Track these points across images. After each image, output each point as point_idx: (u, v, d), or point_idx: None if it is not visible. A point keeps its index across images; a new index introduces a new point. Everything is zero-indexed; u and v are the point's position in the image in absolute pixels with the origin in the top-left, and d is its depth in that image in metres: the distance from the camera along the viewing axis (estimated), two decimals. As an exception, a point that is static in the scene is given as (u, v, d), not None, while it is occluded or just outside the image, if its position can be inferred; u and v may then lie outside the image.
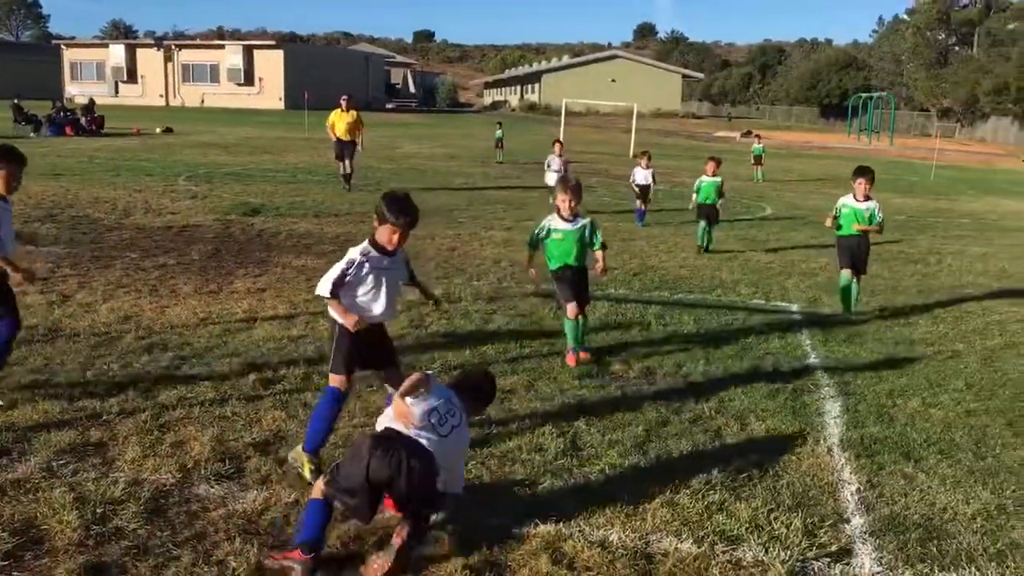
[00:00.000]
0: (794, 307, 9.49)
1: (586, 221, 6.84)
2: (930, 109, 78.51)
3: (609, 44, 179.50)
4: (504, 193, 19.36)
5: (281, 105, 62.86)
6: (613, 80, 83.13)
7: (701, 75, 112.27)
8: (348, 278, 4.58)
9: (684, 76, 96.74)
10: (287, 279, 9.40)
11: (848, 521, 4.44)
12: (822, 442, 5.47)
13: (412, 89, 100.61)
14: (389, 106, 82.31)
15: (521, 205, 17.20)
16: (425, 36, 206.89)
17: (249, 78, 66.18)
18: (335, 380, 4.72)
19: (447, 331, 7.66)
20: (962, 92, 69.33)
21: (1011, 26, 70.19)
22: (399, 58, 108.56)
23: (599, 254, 6.83)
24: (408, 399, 3.91)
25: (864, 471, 5.05)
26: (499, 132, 29.43)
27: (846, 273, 9.07)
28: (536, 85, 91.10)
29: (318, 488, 3.84)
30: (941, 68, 76.96)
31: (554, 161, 17.16)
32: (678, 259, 12.11)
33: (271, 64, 65.83)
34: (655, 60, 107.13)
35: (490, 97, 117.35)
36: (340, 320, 4.59)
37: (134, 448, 4.84)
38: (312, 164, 23.28)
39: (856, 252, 9.14)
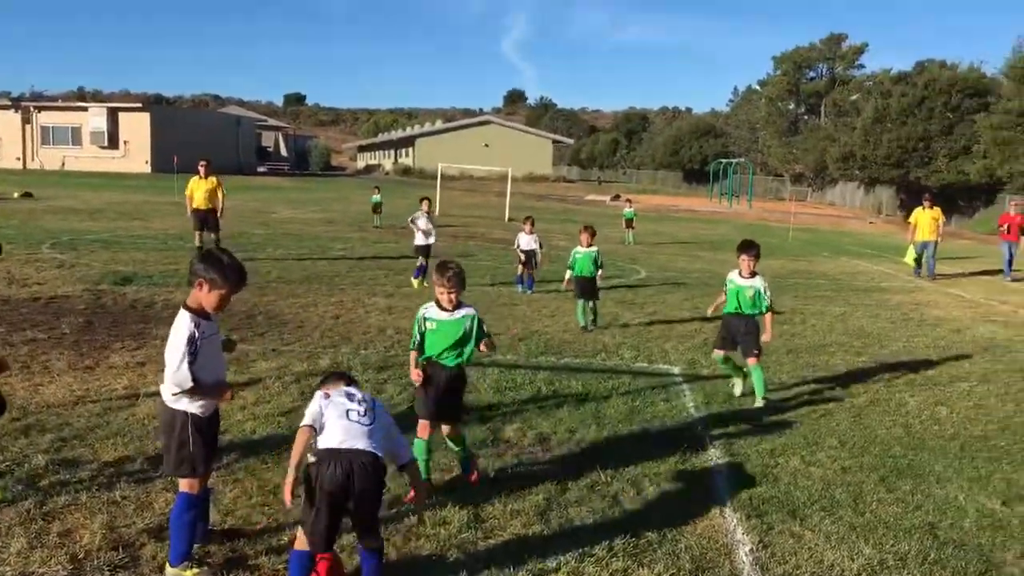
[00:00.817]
0: (675, 369, 9.83)
1: (469, 313, 5.75)
2: (784, 174, 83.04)
3: (481, 110, 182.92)
4: (384, 259, 19.34)
5: (148, 168, 61.08)
6: (486, 144, 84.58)
7: (570, 140, 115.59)
8: (193, 357, 4.18)
9: (554, 141, 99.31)
10: (167, 352, 9.11)
11: (745, 581, 4.62)
12: (714, 504, 5.67)
13: (284, 152, 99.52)
14: (261, 169, 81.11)
15: (401, 271, 17.21)
16: (296, 99, 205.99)
17: (113, 141, 64.05)
18: (190, 485, 4.32)
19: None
20: (812, 159, 73.67)
21: (853, 98, 75.30)
22: (271, 121, 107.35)
23: (483, 346, 5.77)
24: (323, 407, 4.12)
25: (755, 531, 5.26)
26: (376, 197, 29.49)
27: (717, 354, 8.65)
28: (410, 149, 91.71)
29: (300, 540, 4.02)
30: (793, 136, 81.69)
31: (421, 219, 16.04)
32: (560, 323, 12.35)
33: (137, 126, 63.97)
34: (526, 125, 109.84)
35: (363, 161, 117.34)
36: (210, 400, 4.29)
37: (19, 540, 4.58)
38: (184, 230, 22.64)
39: (736, 331, 8.51)
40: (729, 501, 5.73)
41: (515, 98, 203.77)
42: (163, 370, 4.33)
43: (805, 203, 69.69)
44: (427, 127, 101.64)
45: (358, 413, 4.11)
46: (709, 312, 9.21)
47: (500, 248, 23.78)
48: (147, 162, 61.65)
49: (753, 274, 8.62)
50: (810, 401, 8.61)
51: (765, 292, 8.58)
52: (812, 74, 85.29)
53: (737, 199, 66.95)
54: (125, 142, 63.54)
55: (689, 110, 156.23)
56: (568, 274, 12.31)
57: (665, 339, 11.58)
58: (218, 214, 17.79)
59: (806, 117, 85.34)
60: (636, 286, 17.23)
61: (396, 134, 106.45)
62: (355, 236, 23.76)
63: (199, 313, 4.33)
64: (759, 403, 8.18)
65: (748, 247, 8.66)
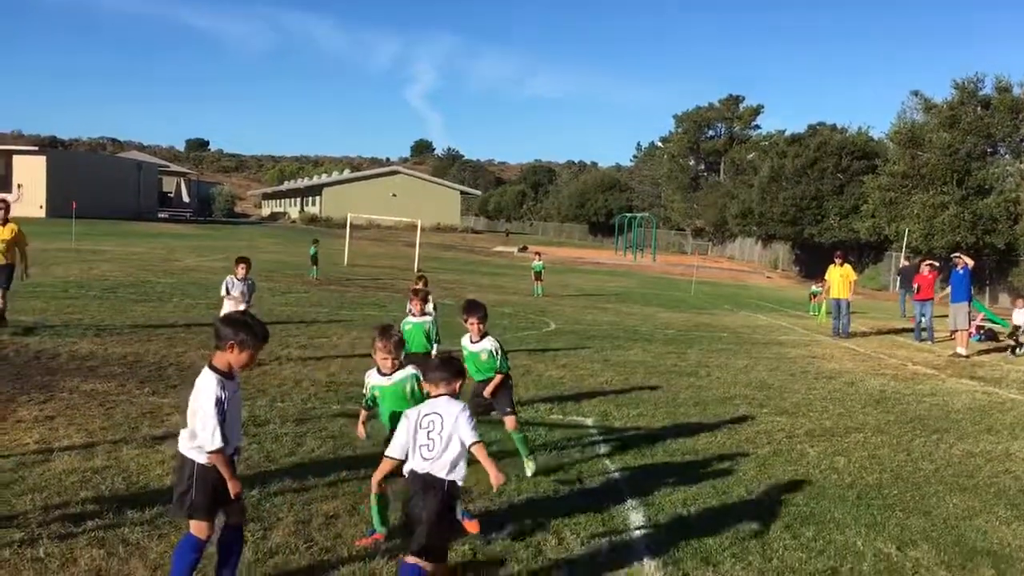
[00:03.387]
0: (589, 421, 10.08)
1: (407, 374, 5.93)
2: (685, 228, 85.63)
3: (388, 159, 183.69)
4: (293, 309, 19.24)
5: (43, 213, 59.02)
6: (394, 194, 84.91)
7: (478, 191, 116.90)
8: (223, 418, 4.40)
9: (462, 192, 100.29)
10: (77, 405, 8.93)
11: (664, 626, 4.85)
12: (633, 553, 5.89)
13: (186, 199, 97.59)
14: (162, 216, 79.39)
15: (311, 321, 17.16)
16: (199, 144, 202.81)
17: (6, 184, 61.84)
18: (198, 528, 4.49)
19: (261, 457, 7.57)
20: (712, 214, 76.23)
21: (750, 157, 78.46)
22: (173, 166, 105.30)
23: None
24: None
25: (673, 578, 5.51)
26: (314, 249, 29.52)
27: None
28: (317, 197, 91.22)
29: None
30: (694, 191, 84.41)
31: (235, 285, 12.84)
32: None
33: (32, 170, 61.94)
34: (433, 176, 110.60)
35: (268, 208, 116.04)
36: (225, 477, 4.43)
37: (-62, 600, 4.49)
38: (84, 278, 22.10)
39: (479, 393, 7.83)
40: (646, 550, 5.96)
41: (422, 148, 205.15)
42: (184, 423, 4.61)
43: (706, 257, 71.87)
44: (334, 176, 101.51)
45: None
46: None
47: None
48: (41, 207, 59.61)
49: (483, 336, 7.87)
50: (718, 452, 8.97)
51: (497, 353, 7.83)
52: (712, 133, 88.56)
53: (641, 252, 68.66)
54: (19, 185, 61.41)
55: (594, 164, 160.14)
56: None
57: (577, 390, 11.85)
58: (16, 270, 14.08)
59: (706, 174, 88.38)
60: (547, 336, 17.55)
61: (302, 182, 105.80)
62: (264, 286, 23.53)
63: (225, 375, 4.54)
64: (528, 469, 7.58)
65: (473, 308, 7.91)
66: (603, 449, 8.73)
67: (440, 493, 4.72)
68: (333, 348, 14.15)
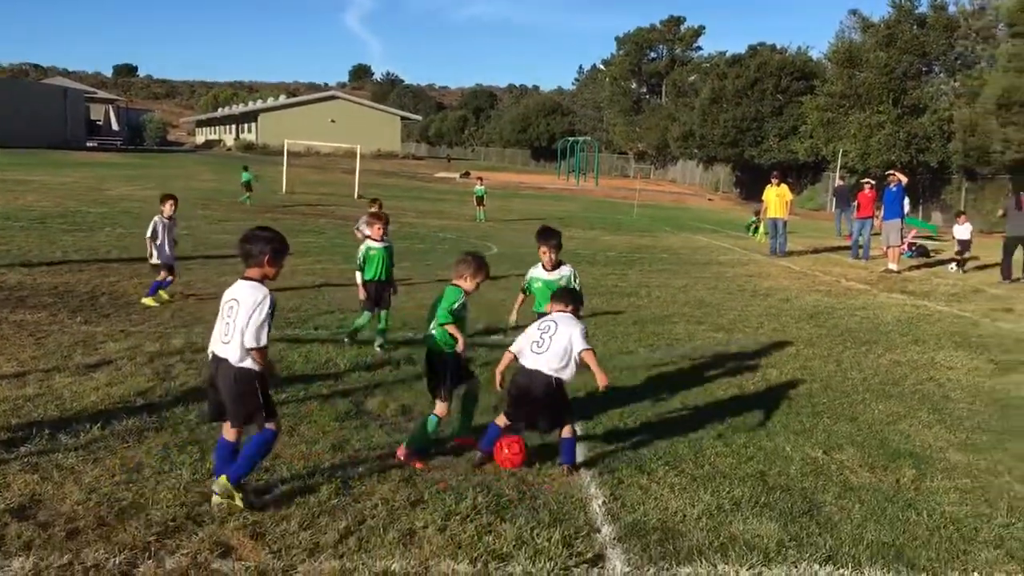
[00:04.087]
0: (529, 341, 10.16)
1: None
2: (628, 152, 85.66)
3: (326, 84, 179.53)
4: (230, 238, 18.91)
5: (-38, 142, 56.92)
6: (333, 120, 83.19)
7: (419, 117, 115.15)
8: (271, 320, 4.93)
9: (402, 118, 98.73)
10: (7, 335, 8.74)
11: (599, 531, 4.98)
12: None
13: (116, 127, 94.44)
14: (91, 145, 76.84)
15: (252, 249, 16.93)
16: (127, 70, 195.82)
17: (-78, 112, 59.38)
18: (274, 423, 5.05)
19: (198, 382, 7.50)
20: (654, 137, 76.34)
21: (692, 78, 78.41)
22: (100, 93, 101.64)
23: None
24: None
25: (607, 486, 5.65)
26: (246, 175, 29.18)
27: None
28: (253, 124, 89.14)
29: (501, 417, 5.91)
30: (636, 115, 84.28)
31: (164, 227, 11.59)
32: (416, 299, 12.48)
33: (-50, 97, 59.49)
34: (373, 101, 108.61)
35: (203, 136, 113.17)
36: (258, 367, 4.90)
37: None
38: (9, 208, 21.41)
39: None
40: (584, 462, 6.09)
41: (361, 73, 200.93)
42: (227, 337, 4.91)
43: (649, 180, 72.19)
44: (270, 102, 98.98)
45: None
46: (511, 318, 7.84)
47: (352, 225, 23.67)
48: (-38, 136, 57.42)
49: (559, 264, 7.59)
50: (655, 367, 9.14)
51: (575, 281, 7.48)
52: (653, 55, 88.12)
53: (584, 176, 68.62)
54: (-63, 114, 59.05)
55: (536, 88, 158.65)
56: (358, 276, 9.50)
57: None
58: None
59: (648, 97, 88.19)
60: (491, 263, 17.54)
61: (237, 108, 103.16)
62: (200, 214, 23.07)
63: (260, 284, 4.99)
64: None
65: (548, 234, 7.59)
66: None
67: (545, 385, 5.74)
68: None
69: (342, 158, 66.49)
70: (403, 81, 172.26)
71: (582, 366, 5.84)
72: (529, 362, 5.81)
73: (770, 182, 22.84)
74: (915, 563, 4.82)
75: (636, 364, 9.24)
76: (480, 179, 31.58)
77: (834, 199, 34.81)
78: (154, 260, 11.37)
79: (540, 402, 5.78)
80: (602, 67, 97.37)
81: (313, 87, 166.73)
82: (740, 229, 31.07)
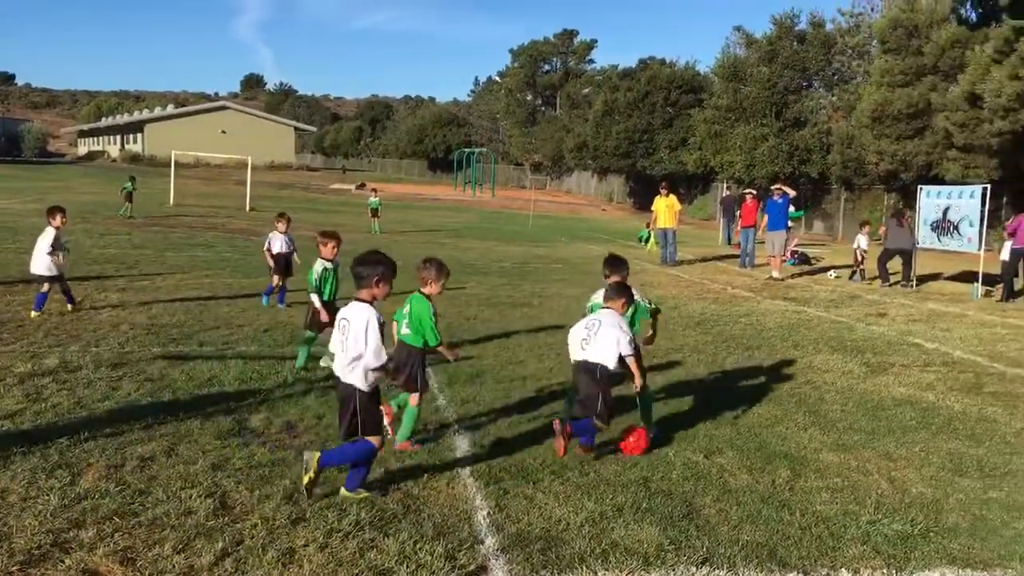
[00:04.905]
0: (420, 353, 10.12)
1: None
2: (524, 163, 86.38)
3: (216, 94, 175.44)
4: (112, 252, 18.30)
5: None
6: (223, 131, 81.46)
7: (313, 128, 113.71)
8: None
9: (296, 129, 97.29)
10: None
11: (482, 542, 4.99)
12: (456, 476, 6.03)
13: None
14: (-36, 155, 73.11)
15: (134, 263, 16.40)
16: (4, 78, 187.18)
17: None
18: (377, 441, 5.51)
19: (72, 403, 7.22)
20: (549, 148, 77.15)
21: (585, 91, 79.68)
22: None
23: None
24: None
25: (492, 497, 5.67)
26: (129, 185, 28.29)
27: None
28: (139, 135, 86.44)
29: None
30: (532, 126, 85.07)
31: (44, 241, 11.42)
32: (305, 313, 12.31)
33: None
34: (266, 112, 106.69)
35: (86, 147, 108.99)
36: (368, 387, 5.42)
37: None
38: None
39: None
40: (470, 472, 6.11)
41: (253, 83, 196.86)
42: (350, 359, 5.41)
43: (545, 191, 72.97)
44: (157, 111, 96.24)
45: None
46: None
47: (242, 239, 23.19)
48: None
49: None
50: (545, 377, 9.23)
51: (646, 301, 7.48)
52: (547, 67, 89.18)
53: (480, 188, 68.89)
54: None
55: (432, 99, 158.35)
56: (316, 300, 9.16)
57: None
58: None
59: (543, 108, 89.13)
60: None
61: (122, 118, 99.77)
62: (80, 228, 22.21)
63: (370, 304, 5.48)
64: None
65: (615, 264, 7.45)
66: (433, 380, 8.81)
67: (593, 374, 6.46)
68: (156, 291, 13.59)
69: (234, 169, 65.00)
70: (297, 91, 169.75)
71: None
72: (579, 356, 6.63)
73: (659, 193, 23.34)
74: (787, 562, 5.00)
75: (526, 374, 9.31)
76: (375, 191, 31.38)
77: (721, 209, 35.83)
78: (52, 272, 11.22)
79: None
80: (498, 79, 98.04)
81: (203, 97, 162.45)
82: (633, 239, 31.67)
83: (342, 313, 5.54)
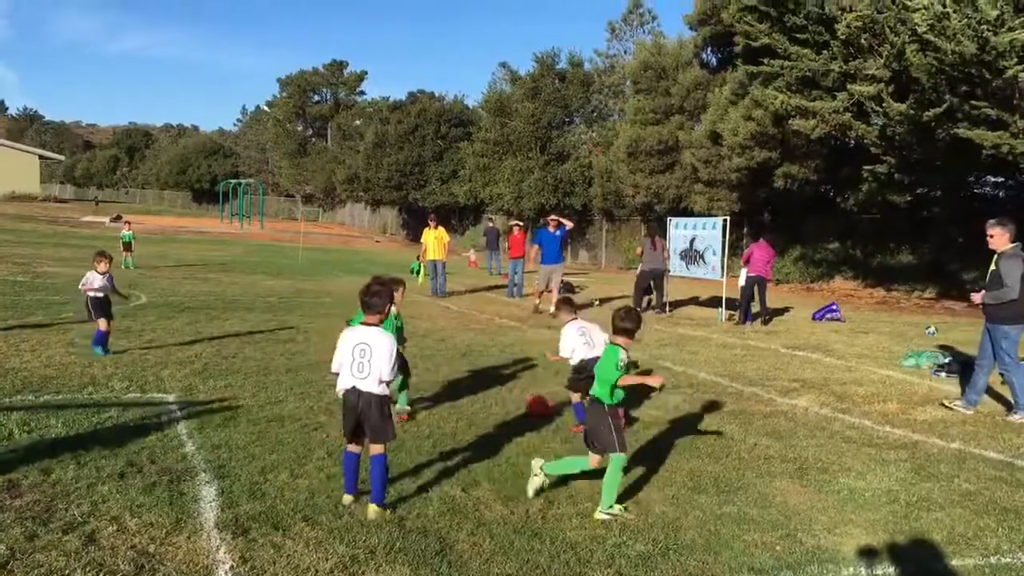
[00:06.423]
0: (171, 397, 9.57)
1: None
2: (295, 195, 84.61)
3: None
4: None
5: None
6: (-44, 159, 74.10)
7: (62, 156, 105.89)
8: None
9: (42, 157, 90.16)
10: None
11: (224, 599, 4.73)
12: (198, 528, 5.69)
13: None
14: None
15: (10, 305, 14.50)
16: None
17: None
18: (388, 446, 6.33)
19: None
20: (321, 180, 76.12)
21: (356, 122, 79.34)
22: None
23: None
24: None
25: (238, 549, 5.39)
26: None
27: None
28: None
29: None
30: (302, 157, 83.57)
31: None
32: (43, 358, 11.35)
33: None
34: (7, 139, 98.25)
35: None
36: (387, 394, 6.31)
37: None
38: None
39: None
40: (214, 523, 5.78)
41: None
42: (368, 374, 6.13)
43: (317, 223, 71.75)
44: None
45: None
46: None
47: (-27, 277, 21.12)
48: None
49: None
50: (304, 416, 8.96)
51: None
52: (317, 98, 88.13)
53: (249, 219, 66.71)
54: None
55: (196, 128, 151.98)
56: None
57: (162, 366, 11.22)
58: None
59: (314, 139, 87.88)
60: (136, 310, 16.41)
61: None
62: None
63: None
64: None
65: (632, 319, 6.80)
66: (182, 425, 8.33)
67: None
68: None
69: (-32, 201, 59.21)
70: (44, 117, 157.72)
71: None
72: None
73: (427, 225, 23.50)
74: (536, 590, 5.07)
75: (284, 414, 9.01)
76: (128, 223, 29.60)
77: (485, 240, 36.61)
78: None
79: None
80: (266, 108, 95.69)
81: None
82: (406, 271, 31.69)
83: (360, 337, 6.18)
